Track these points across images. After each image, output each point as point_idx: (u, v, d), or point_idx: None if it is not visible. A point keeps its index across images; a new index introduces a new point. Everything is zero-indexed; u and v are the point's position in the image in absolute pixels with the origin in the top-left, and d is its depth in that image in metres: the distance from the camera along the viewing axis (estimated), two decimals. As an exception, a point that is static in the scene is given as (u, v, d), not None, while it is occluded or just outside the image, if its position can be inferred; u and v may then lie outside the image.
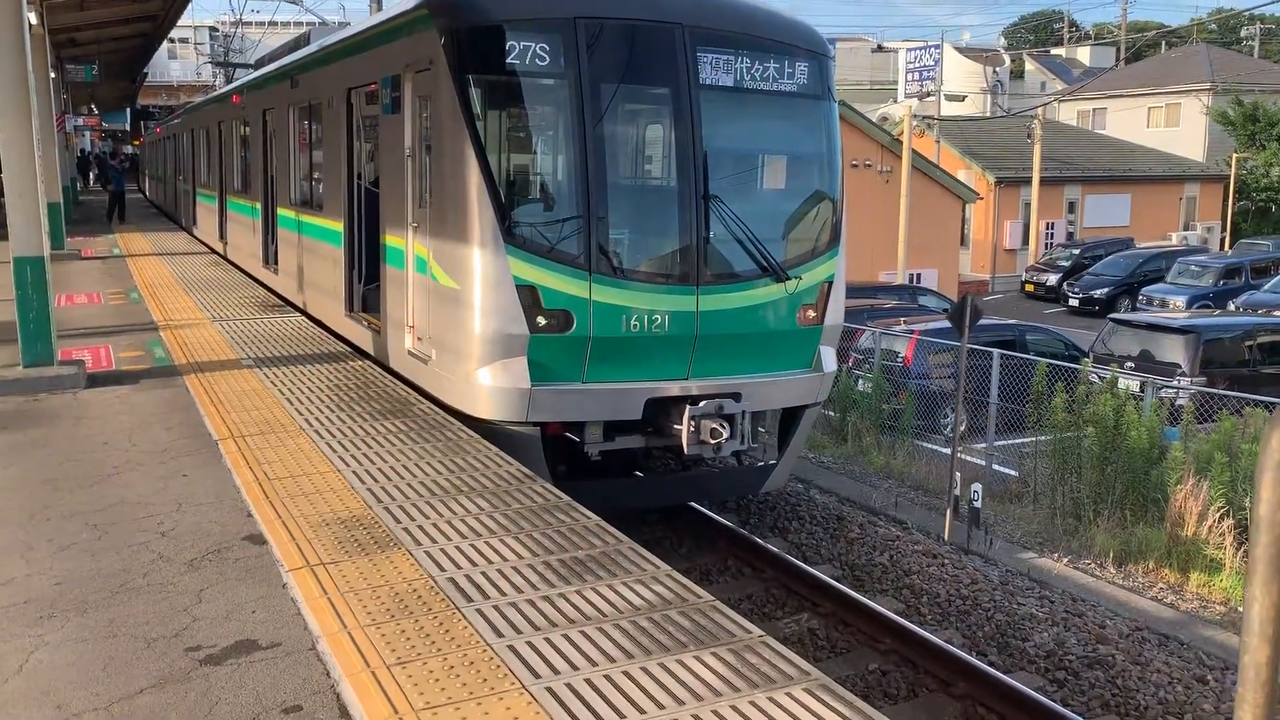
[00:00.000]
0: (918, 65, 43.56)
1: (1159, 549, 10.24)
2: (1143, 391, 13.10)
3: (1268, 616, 1.66)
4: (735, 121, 8.43)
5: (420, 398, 8.28)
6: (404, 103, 8.71)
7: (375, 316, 9.93)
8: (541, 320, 7.56)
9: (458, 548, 5.10)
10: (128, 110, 61.49)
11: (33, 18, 13.31)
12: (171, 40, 47.83)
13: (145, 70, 43.17)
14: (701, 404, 7.92)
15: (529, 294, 7.53)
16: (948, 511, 10.76)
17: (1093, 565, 10.13)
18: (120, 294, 13.96)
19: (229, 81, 31.32)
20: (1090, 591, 9.35)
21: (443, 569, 4.85)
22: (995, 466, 13.15)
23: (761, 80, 8.27)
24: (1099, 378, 12.92)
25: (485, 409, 7.75)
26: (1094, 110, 52.67)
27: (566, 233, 7.66)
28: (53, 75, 22.24)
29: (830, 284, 8.60)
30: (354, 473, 6.28)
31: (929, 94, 40.45)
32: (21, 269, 8.62)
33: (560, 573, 4.82)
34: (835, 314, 8.71)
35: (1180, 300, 27.94)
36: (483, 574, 4.79)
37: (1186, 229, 41.22)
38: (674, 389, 8.02)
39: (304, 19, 34.80)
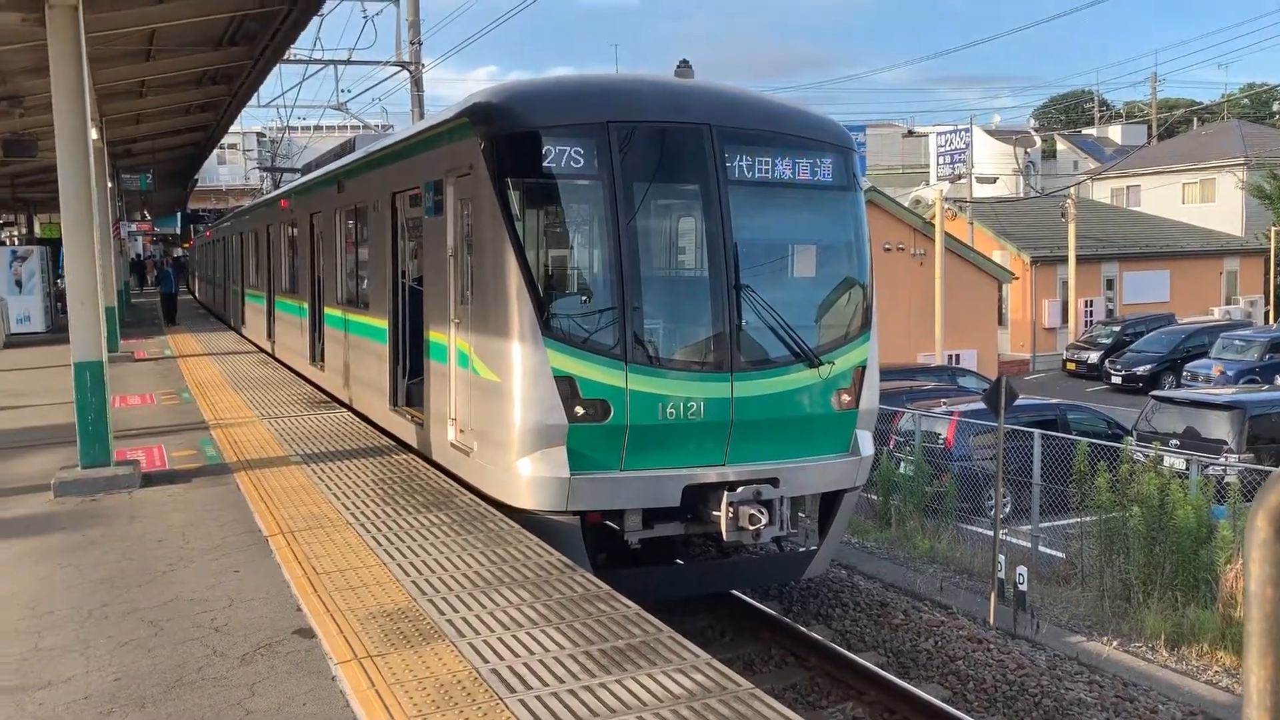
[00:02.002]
0: (949, 149, 44.11)
1: (1212, 631, 10.05)
2: (1188, 469, 12.97)
3: (1265, 688, 1.76)
4: (764, 214, 8.68)
5: (462, 489, 8.44)
6: (446, 205, 9.07)
7: (419, 410, 10.16)
8: (579, 410, 7.73)
9: (500, 639, 5.20)
10: (178, 214, 63.60)
11: (94, 133, 13.99)
12: (221, 147, 49.61)
13: (196, 176, 44.80)
14: (739, 490, 8.00)
15: (567, 385, 7.73)
16: (992, 595, 10.66)
17: (1144, 648, 9.96)
18: (172, 394, 14.37)
19: (276, 185, 32.40)
20: (1142, 675, 9.19)
21: (486, 660, 4.94)
22: (1041, 548, 13.02)
23: (788, 174, 8.54)
24: (1143, 456, 12.82)
25: (526, 499, 7.89)
26: (1128, 188, 52.81)
27: (602, 325, 7.88)
28: (110, 185, 23.19)
29: (864, 368, 8.72)
30: (399, 565, 6.43)
31: (960, 177, 40.85)
32: (81, 373, 8.96)
33: (601, 662, 4.89)
34: (870, 398, 8.81)
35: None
36: (525, 664, 4.88)
37: (1229, 303, 40.90)
38: (711, 475, 8.11)
39: (349, 124, 36.10)
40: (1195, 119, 69.00)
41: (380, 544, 6.90)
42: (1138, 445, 13.57)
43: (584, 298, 8.19)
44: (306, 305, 15.76)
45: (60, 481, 8.75)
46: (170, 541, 7.24)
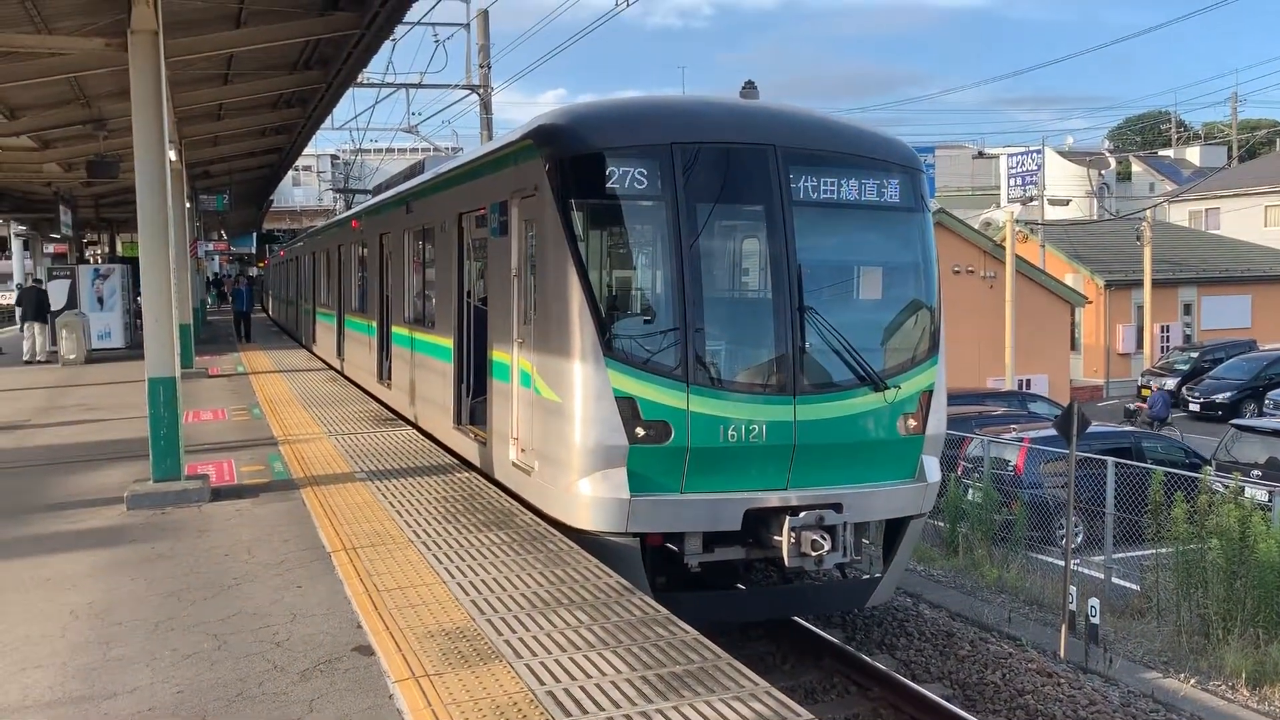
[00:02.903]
0: (1020, 170, 43.38)
1: (1297, 670, 9.64)
2: (1271, 501, 12.50)
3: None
4: (828, 235, 8.59)
5: (523, 509, 8.45)
6: (511, 226, 9.13)
7: (481, 429, 10.22)
8: (640, 431, 7.70)
9: (557, 661, 5.17)
10: (253, 234, 65.16)
11: (173, 155, 14.42)
12: (295, 169, 50.75)
13: (271, 197, 45.88)
14: (802, 515, 7.89)
15: (628, 405, 7.70)
16: (1063, 627, 10.35)
17: (1224, 687, 9.58)
18: (243, 410, 14.65)
19: (349, 206, 33.00)
20: (1222, 716, 8.84)
21: (542, 682, 4.91)
22: (1115, 580, 12.63)
23: (853, 195, 8.44)
24: (1223, 486, 12.38)
25: (585, 519, 7.86)
26: (1206, 210, 51.47)
27: (664, 346, 7.85)
28: (188, 205, 23.84)
29: (930, 393, 8.56)
30: (458, 584, 6.44)
31: (1032, 199, 40.14)
32: (155, 389, 9.17)
33: (658, 688, 4.83)
34: (937, 423, 8.64)
35: (1311, 404, 26.63)
36: (581, 688, 4.84)
37: (1314, 329, 39.50)
38: (773, 499, 8.02)
39: (419, 146, 36.71)
40: (1278, 140, 67.08)
41: (441, 562, 6.92)
42: (1217, 475, 13.12)
43: (646, 319, 8.16)
44: (375, 324, 15.99)
45: (133, 495, 8.94)
46: (236, 556, 7.34)
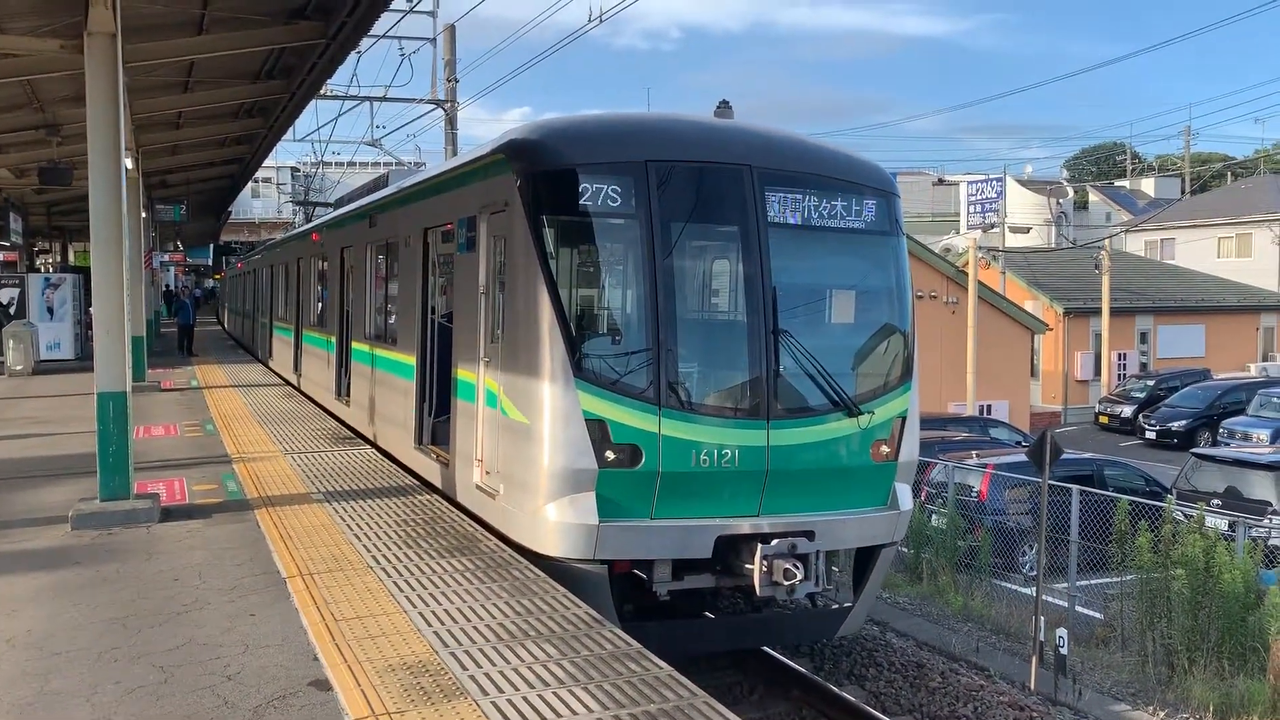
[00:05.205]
0: (980, 197, 43.85)
1: (1263, 702, 9.61)
2: (1232, 531, 12.52)
3: None
4: (804, 258, 8.45)
5: (487, 534, 8.20)
6: (479, 242, 8.90)
7: (444, 450, 9.95)
8: (610, 455, 7.49)
9: (525, 698, 4.93)
10: (211, 246, 64.21)
11: (129, 163, 14.06)
12: (255, 180, 50.05)
13: (229, 208, 45.22)
14: (774, 543, 7.71)
15: (598, 428, 7.49)
16: (1033, 659, 10.25)
17: (1191, 719, 9.51)
18: (196, 426, 14.23)
19: (309, 219, 32.54)
20: (1192, 749, 8.76)
21: (511, 721, 4.67)
22: (1078, 608, 12.58)
23: (829, 218, 8.32)
24: (1185, 516, 12.38)
25: (552, 545, 7.63)
26: (1161, 240, 52.34)
27: (636, 367, 7.65)
28: (144, 215, 23.32)
29: (904, 419, 8.43)
30: (420, 614, 6.17)
31: (992, 226, 40.56)
32: (104, 404, 8.81)
33: (632, 727, 4.61)
34: (910, 450, 8.51)
35: (1264, 434, 27.00)
36: (552, 727, 4.60)
37: (1265, 359, 40.22)
38: (745, 526, 7.83)
39: (382, 160, 36.33)
40: (1229, 173, 68.52)
41: (401, 590, 6.66)
42: (1179, 504, 13.13)
43: (618, 339, 7.97)
44: (334, 339, 15.65)
45: (78, 514, 8.57)
46: (186, 581, 7.02)
